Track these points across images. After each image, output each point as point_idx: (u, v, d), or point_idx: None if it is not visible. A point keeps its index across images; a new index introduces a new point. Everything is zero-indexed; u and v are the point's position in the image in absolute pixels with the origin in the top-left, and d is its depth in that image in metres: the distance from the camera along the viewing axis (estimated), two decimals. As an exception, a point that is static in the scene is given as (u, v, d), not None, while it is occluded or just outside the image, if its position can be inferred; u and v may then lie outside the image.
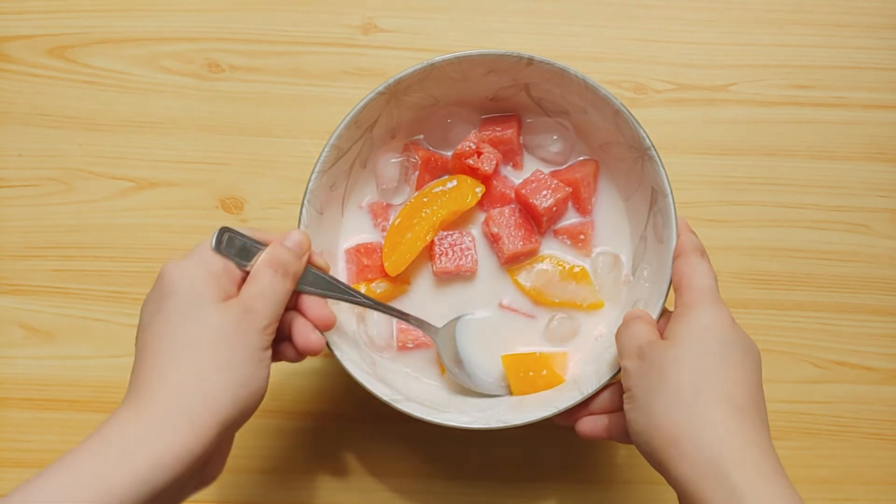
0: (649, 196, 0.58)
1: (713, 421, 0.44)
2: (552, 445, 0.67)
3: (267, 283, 0.48)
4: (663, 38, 0.72)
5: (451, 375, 0.59)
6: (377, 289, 0.60)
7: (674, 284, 0.52)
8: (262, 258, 0.49)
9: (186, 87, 0.71)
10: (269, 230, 0.51)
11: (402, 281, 0.61)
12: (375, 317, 0.61)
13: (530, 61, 0.57)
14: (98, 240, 0.69)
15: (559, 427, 0.65)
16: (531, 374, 0.59)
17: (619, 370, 0.54)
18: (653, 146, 0.56)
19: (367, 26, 0.71)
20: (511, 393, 0.60)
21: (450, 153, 0.63)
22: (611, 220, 0.63)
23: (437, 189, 0.61)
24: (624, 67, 0.71)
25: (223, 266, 0.47)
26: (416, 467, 0.67)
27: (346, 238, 0.62)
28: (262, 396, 0.47)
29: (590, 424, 0.55)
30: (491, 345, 0.60)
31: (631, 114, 0.56)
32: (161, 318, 0.45)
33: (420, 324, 0.58)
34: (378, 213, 0.62)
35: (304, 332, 0.50)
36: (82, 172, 0.70)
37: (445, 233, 0.61)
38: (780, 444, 0.57)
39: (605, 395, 0.55)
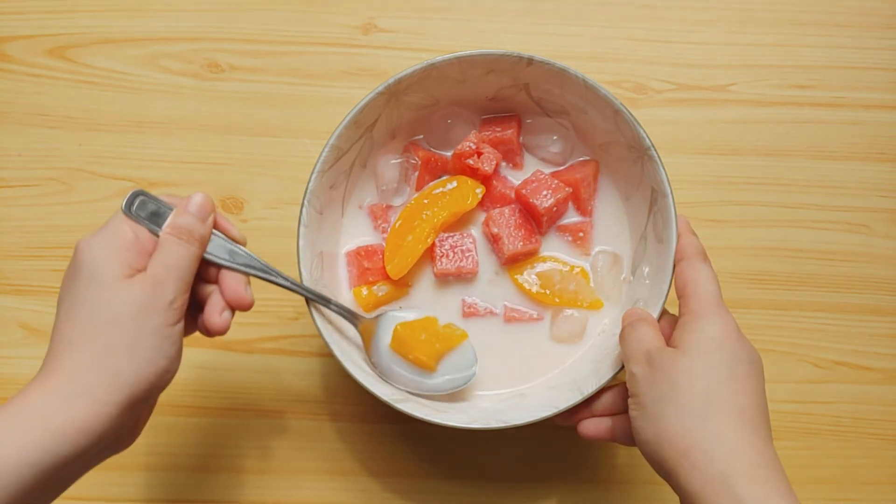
0: (649, 196, 0.58)
1: (724, 435, 0.44)
2: (552, 445, 0.67)
3: (171, 253, 0.47)
4: (663, 38, 0.72)
5: (370, 368, 0.58)
6: (379, 291, 0.60)
7: (677, 290, 0.52)
8: (165, 226, 0.48)
9: (186, 87, 0.71)
10: (181, 196, 0.50)
11: (403, 283, 0.61)
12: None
13: (530, 61, 0.57)
14: (98, 240, 0.69)
15: (559, 427, 0.65)
16: (423, 335, 0.58)
17: (620, 370, 0.54)
18: (653, 146, 0.56)
19: (367, 26, 0.71)
20: (424, 367, 0.57)
21: (450, 153, 0.63)
22: (611, 219, 0.63)
23: (438, 190, 0.61)
24: (624, 67, 0.71)
25: (132, 238, 0.47)
26: (416, 467, 0.67)
27: (346, 239, 0.62)
28: (172, 372, 0.47)
29: (593, 426, 0.55)
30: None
31: (631, 114, 0.56)
32: (70, 296, 0.46)
33: (344, 311, 0.56)
34: (378, 214, 0.62)
35: (212, 311, 0.49)
36: (82, 172, 0.70)
37: (446, 234, 0.61)
38: (780, 444, 0.57)
39: (608, 397, 0.55)
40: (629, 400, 0.49)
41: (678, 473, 0.45)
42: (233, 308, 0.50)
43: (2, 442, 0.41)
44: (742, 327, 0.50)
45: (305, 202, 0.56)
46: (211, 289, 0.50)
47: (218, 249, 0.50)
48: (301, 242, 0.56)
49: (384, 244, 0.61)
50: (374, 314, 0.60)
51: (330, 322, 0.57)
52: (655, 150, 0.56)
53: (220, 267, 0.50)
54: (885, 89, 0.71)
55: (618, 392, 0.55)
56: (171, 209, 0.49)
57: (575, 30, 0.72)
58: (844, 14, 0.72)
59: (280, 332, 0.68)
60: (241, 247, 0.52)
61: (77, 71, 0.71)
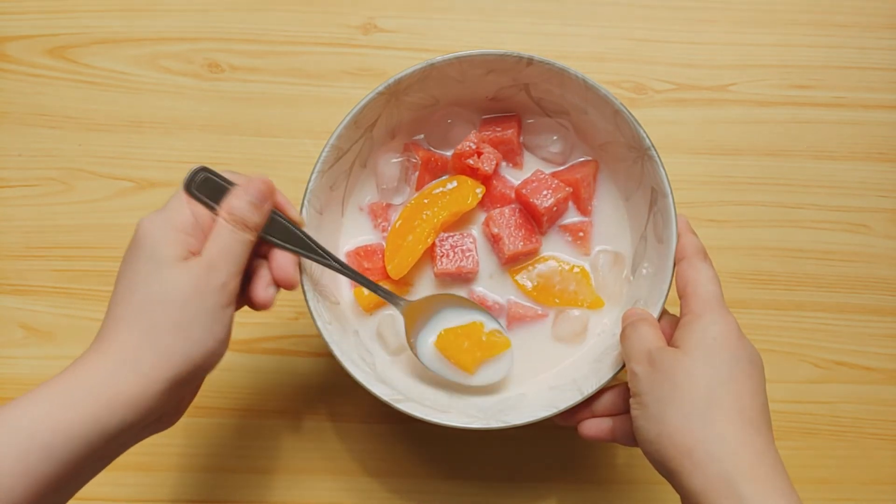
0: (649, 196, 0.58)
1: (727, 434, 0.45)
2: (552, 445, 0.67)
3: (224, 238, 0.47)
4: (663, 38, 0.72)
5: (410, 351, 0.59)
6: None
7: (678, 290, 0.52)
8: (221, 210, 0.48)
9: (186, 87, 0.71)
10: (244, 175, 0.51)
11: (403, 283, 0.61)
12: (388, 318, 0.61)
13: (530, 61, 0.57)
14: (98, 240, 0.69)
15: (559, 427, 0.65)
16: (466, 344, 0.58)
17: (620, 370, 0.54)
18: (653, 146, 0.56)
19: (367, 26, 0.71)
20: (464, 369, 0.58)
21: (450, 153, 0.63)
22: (611, 219, 0.63)
23: (438, 190, 0.61)
24: (624, 67, 0.71)
25: (191, 219, 0.47)
26: (416, 467, 0.67)
27: (346, 239, 0.62)
28: (220, 354, 0.47)
29: (594, 427, 0.55)
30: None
31: (631, 114, 0.56)
32: (127, 275, 0.46)
33: (389, 296, 0.57)
34: (378, 213, 0.62)
35: (259, 285, 0.50)
36: (82, 172, 0.70)
37: (446, 234, 0.61)
38: (781, 444, 0.57)
39: (609, 397, 0.55)
40: (631, 400, 0.50)
41: (680, 473, 0.45)
42: (279, 286, 0.51)
43: (53, 412, 0.41)
44: (742, 327, 0.50)
45: (305, 202, 0.56)
46: (260, 262, 0.51)
47: (274, 228, 0.51)
48: (301, 242, 0.56)
49: (384, 244, 0.61)
50: (419, 296, 0.61)
51: (330, 322, 0.57)
52: (655, 150, 0.56)
53: (272, 245, 0.51)
54: (885, 89, 0.71)
55: (618, 392, 0.55)
56: (232, 186, 0.49)
57: (575, 30, 0.72)
58: (844, 14, 0.72)
59: (280, 332, 0.68)
60: (298, 227, 0.52)
61: (77, 71, 0.71)
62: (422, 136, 0.63)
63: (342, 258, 0.62)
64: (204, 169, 0.49)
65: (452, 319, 0.59)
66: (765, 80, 0.71)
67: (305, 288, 0.55)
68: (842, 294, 0.69)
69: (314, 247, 0.52)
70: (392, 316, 0.61)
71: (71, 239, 0.69)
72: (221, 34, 0.71)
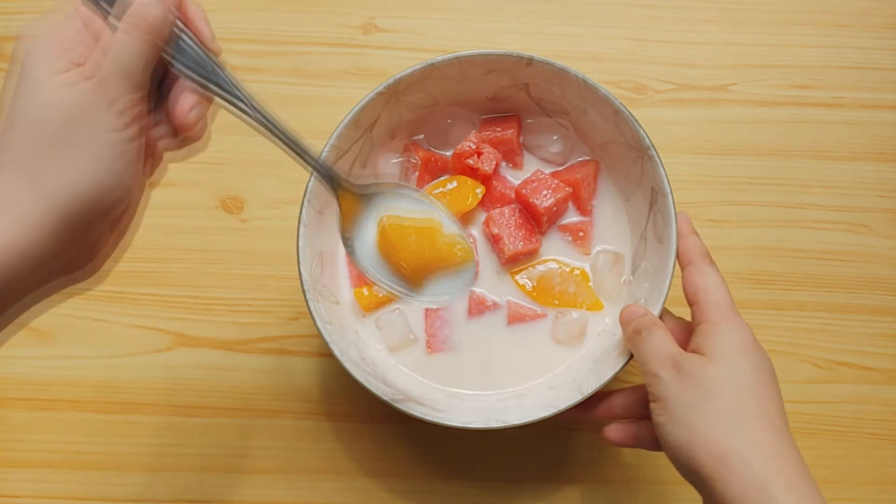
0: (649, 196, 0.58)
1: (760, 442, 0.45)
2: (552, 445, 0.67)
3: (116, 47, 0.38)
4: (663, 38, 0.72)
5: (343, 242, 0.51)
6: (380, 292, 0.60)
7: (688, 295, 0.52)
8: (113, 9, 0.39)
9: (186, 87, 0.71)
10: None
11: None
12: (388, 315, 0.61)
13: (530, 61, 0.57)
14: (98, 240, 0.69)
15: (559, 427, 0.65)
16: (414, 245, 0.49)
17: (620, 370, 0.54)
18: (652, 146, 0.56)
19: (367, 26, 0.71)
20: (409, 279, 0.50)
21: (450, 153, 0.63)
22: (611, 219, 0.63)
23: (438, 190, 0.61)
24: (624, 67, 0.71)
25: (79, 28, 0.39)
26: (416, 467, 0.67)
27: (346, 238, 0.62)
28: (122, 192, 0.40)
29: (619, 433, 0.55)
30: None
31: (631, 114, 0.56)
32: (3, 100, 0.39)
33: (323, 171, 0.48)
34: (378, 213, 0.62)
35: (185, 103, 0.41)
36: (82, 172, 0.70)
37: None
38: (780, 444, 0.57)
39: (624, 399, 0.55)
40: (652, 405, 0.49)
41: (714, 479, 0.45)
42: (177, 130, 0.42)
43: None
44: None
45: (305, 202, 0.56)
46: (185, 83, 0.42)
47: (183, 54, 0.40)
48: (301, 242, 0.56)
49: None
50: (368, 189, 0.50)
51: (330, 322, 0.57)
52: (655, 150, 0.56)
53: (180, 75, 0.41)
54: (885, 89, 0.71)
55: (633, 395, 0.55)
56: None
57: (575, 30, 0.72)
58: (845, 14, 0.72)
59: (280, 332, 0.68)
60: (213, 56, 0.42)
61: (77, 71, 0.71)
62: (422, 136, 0.63)
63: (342, 258, 0.62)
64: None
65: (402, 212, 0.50)
66: (765, 80, 0.71)
67: (305, 288, 0.55)
68: (842, 294, 0.69)
69: (229, 84, 0.41)
70: (393, 313, 0.61)
71: (71, 239, 0.69)
72: (221, 34, 0.70)
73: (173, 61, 0.40)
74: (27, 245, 0.37)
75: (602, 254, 0.62)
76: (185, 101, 0.41)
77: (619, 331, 0.59)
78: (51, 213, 0.37)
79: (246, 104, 0.42)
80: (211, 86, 0.41)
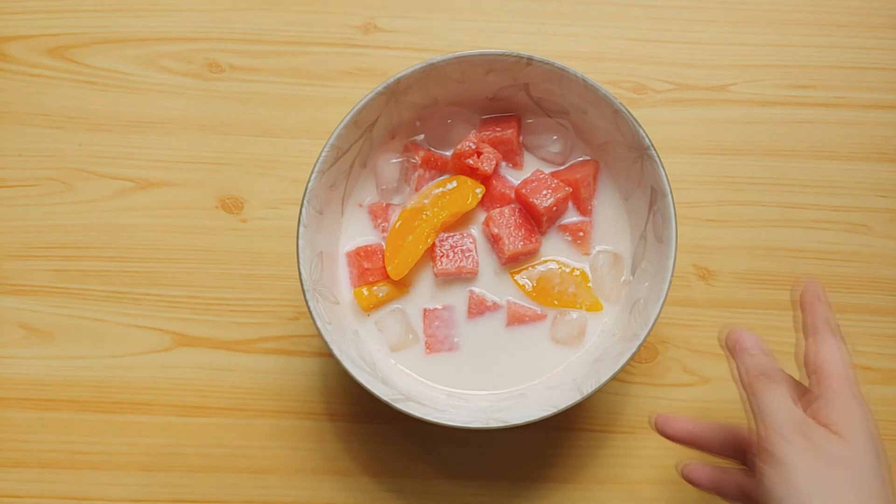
0: (649, 196, 0.58)
1: None
2: (552, 445, 0.67)
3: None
4: (663, 38, 0.72)
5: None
6: (379, 292, 0.60)
7: (809, 363, 0.51)
8: None
9: (186, 87, 0.71)
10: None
11: (402, 284, 0.61)
12: (388, 315, 0.61)
13: (530, 61, 0.57)
14: (98, 240, 0.69)
15: (559, 427, 0.66)
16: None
17: (620, 370, 0.54)
18: (652, 146, 0.56)
19: (367, 26, 0.71)
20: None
21: (450, 153, 0.63)
22: (611, 219, 0.63)
23: (438, 190, 0.61)
24: (624, 67, 0.71)
25: None
26: (416, 467, 0.67)
27: (346, 239, 0.62)
28: None
29: (701, 474, 0.54)
30: None
31: (631, 114, 0.56)
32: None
33: None
34: (378, 213, 0.62)
35: None
36: (82, 172, 0.70)
37: (446, 234, 0.61)
38: (780, 444, 0.57)
39: (718, 436, 0.54)
40: (765, 466, 0.47)
41: None
42: None
43: None
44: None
45: (305, 202, 0.56)
46: None
47: None
48: (301, 242, 0.56)
49: (384, 244, 0.61)
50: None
51: (330, 322, 0.57)
52: (655, 150, 0.56)
53: None
54: (885, 89, 0.71)
55: (727, 434, 0.54)
56: None
57: (575, 30, 0.72)
58: (844, 14, 0.72)
59: (280, 332, 0.68)
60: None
61: (77, 71, 0.71)
62: (422, 136, 0.63)
63: (342, 258, 0.62)
64: None
65: None
66: (765, 80, 0.71)
67: (305, 288, 0.55)
68: (842, 294, 0.69)
69: None
70: (393, 313, 0.61)
71: (71, 239, 0.69)
72: (221, 34, 0.71)
73: None
74: None
75: (601, 254, 0.62)
76: None
77: (618, 331, 0.59)
78: None
79: None
80: None
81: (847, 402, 0.48)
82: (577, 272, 0.62)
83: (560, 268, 0.62)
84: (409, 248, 0.60)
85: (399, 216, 0.61)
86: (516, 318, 0.61)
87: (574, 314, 0.61)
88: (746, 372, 0.50)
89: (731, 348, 0.52)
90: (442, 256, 0.60)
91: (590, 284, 0.62)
